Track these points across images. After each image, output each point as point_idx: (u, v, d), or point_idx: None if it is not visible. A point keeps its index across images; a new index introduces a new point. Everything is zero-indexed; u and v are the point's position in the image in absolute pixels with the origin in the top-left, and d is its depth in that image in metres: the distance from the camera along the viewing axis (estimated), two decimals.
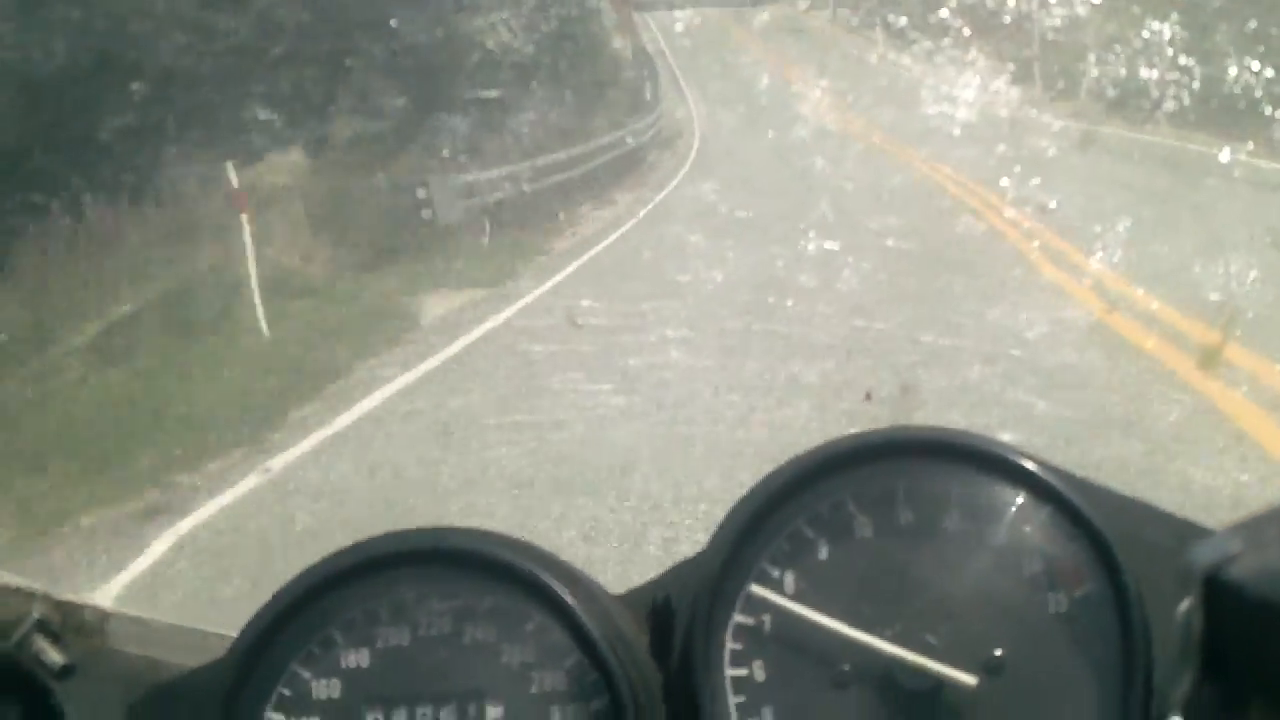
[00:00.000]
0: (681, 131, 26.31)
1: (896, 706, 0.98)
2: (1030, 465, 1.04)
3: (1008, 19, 20.01)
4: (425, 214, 14.89)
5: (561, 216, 16.55)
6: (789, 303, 9.45)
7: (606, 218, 16.95)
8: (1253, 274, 9.36)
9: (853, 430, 1.08)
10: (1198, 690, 0.93)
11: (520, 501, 5.64)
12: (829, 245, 11.78)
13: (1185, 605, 0.93)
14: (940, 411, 6.41)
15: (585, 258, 13.75)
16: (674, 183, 19.90)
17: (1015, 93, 20.27)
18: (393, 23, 16.75)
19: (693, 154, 23.49)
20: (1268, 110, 15.35)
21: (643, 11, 39.47)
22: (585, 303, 10.32)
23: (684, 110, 29.31)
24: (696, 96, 30.80)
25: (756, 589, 1.02)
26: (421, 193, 15.25)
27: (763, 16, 42.34)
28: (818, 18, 42.38)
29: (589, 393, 7.30)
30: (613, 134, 21.41)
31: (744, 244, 12.62)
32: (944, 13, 19.61)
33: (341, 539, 1.04)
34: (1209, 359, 7.21)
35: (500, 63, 19.11)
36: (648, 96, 27.59)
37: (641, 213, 17.00)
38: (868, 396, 6.59)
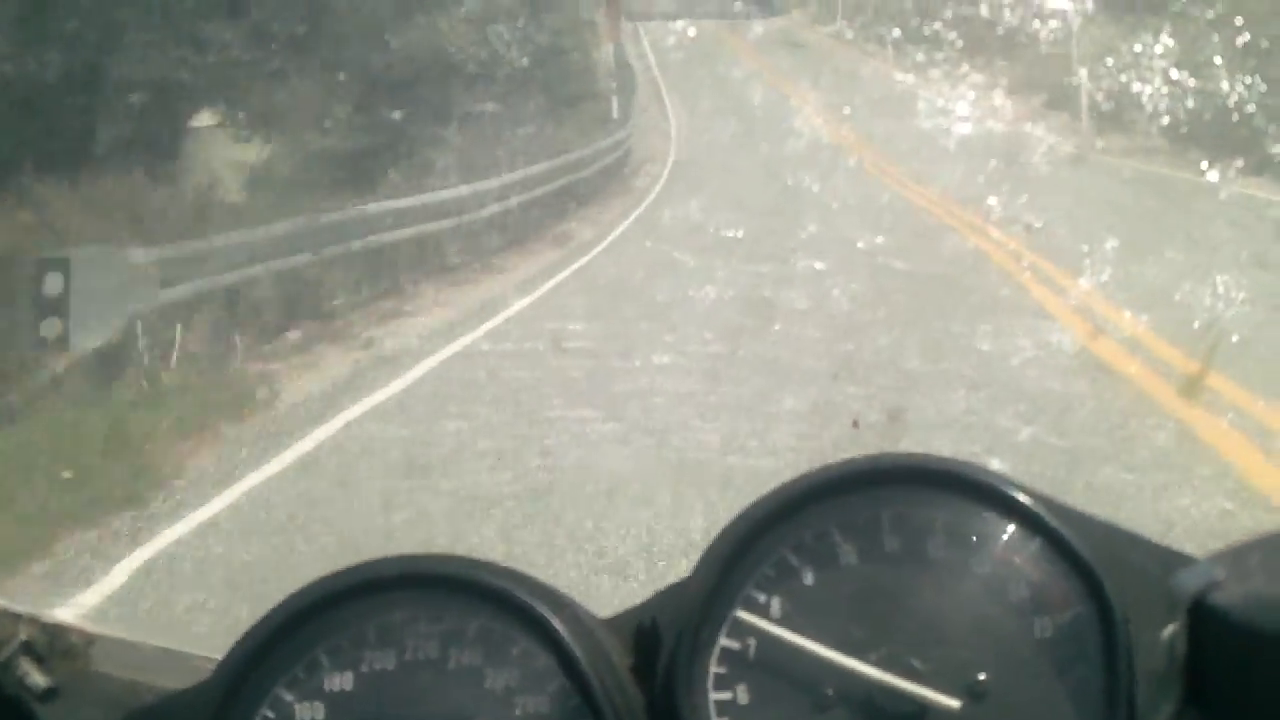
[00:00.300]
0: (653, 156, 22.45)
1: None
2: (1014, 492, 1.05)
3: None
4: (48, 330, 7.95)
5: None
6: None
7: (446, 318, 10.42)
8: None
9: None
10: (1180, 714, 0.93)
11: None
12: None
13: (1169, 631, 0.94)
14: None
15: (311, 439, 7.15)
16: (604, 243, 14.85)
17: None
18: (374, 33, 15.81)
19: (651, 196, 19.06)
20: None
21: (636, 21, 38.74)
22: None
23: (660, 136, 25.43)
24: (680, 117, 27.40)
25: (742, 614, 1.02)
26: (53, 284, 8.01)
27: (756, 29, 41.17)
28: (819, 32, 41.09)
29: None
30: (549, 163, 16.98)
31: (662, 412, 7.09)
32: (938, 25, 19.63)
33: (325, 567, 1.04)
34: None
35: (441, 75, 16.75)
36: (615, 115, 24.28)
37: (510, 310, 10.57)
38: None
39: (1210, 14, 17.39)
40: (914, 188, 17.33)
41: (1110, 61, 17.72)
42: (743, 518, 1.05)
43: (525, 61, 18.72)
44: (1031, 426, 6.60)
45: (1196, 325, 8.63)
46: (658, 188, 19.69)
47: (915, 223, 14.78)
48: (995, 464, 1.15)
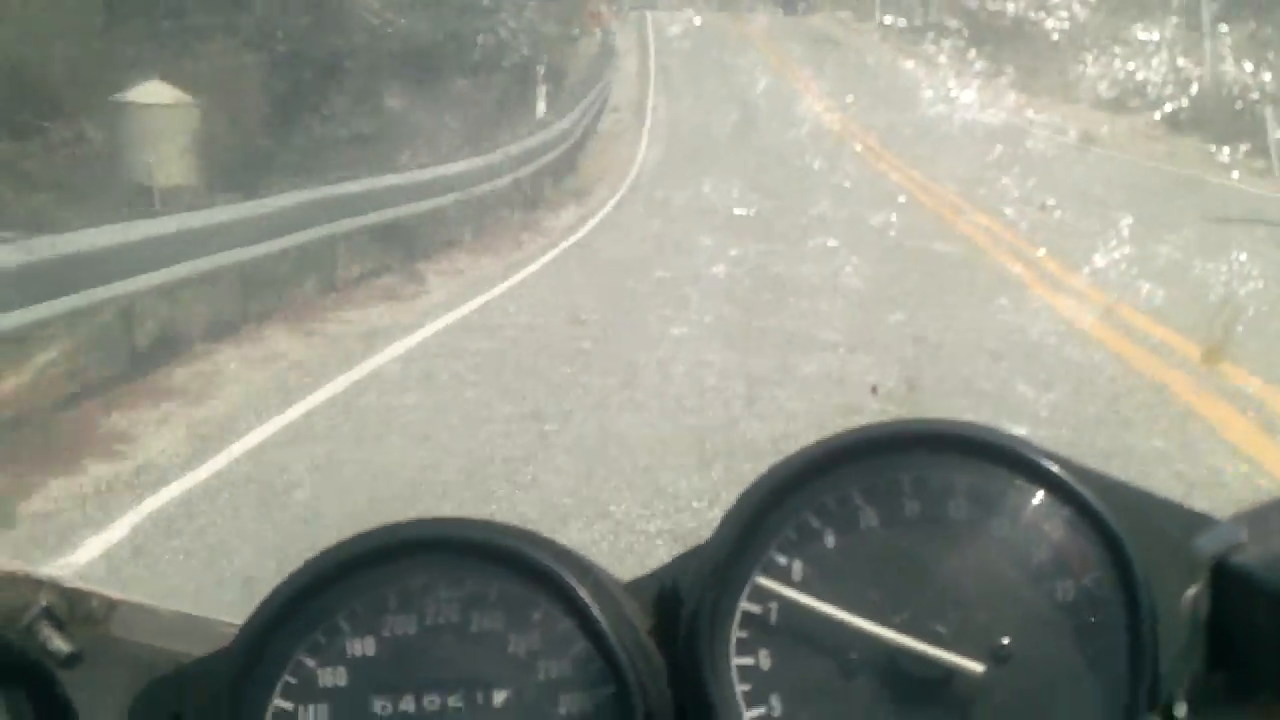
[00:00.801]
0: (599, 181, 16.60)
1: (904, 694, 0.99)
2: (1035, 455, 1.05)
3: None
4: None
5: None
6: None
7: None
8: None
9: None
10: (1203, 678, 0.93)
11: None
12: None
13: (1191, 592, 0.94)
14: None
15: None
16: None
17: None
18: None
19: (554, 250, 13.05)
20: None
21: (644, 9, 36.93)
22: None
23: (628, 143, 19.88)
24: (659, 123, 22.15)
25: (763, 578, 1.02)
26: None
27: (758, 18, 38.25)
28: (861, 30, 36.12)
29: None
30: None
31: None
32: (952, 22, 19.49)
33: (345, 531, 1.04)
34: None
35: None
36: (541, 111, 17.75)
37: None
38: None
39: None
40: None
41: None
42: (764, 480, 1.05)
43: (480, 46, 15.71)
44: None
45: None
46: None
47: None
48: (1017, 430, 1.15)
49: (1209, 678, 0.94)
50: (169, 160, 13.16)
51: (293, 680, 1.01)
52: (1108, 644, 0.99)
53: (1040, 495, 1.04)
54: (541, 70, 18.47)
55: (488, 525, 1.05)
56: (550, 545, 1.05)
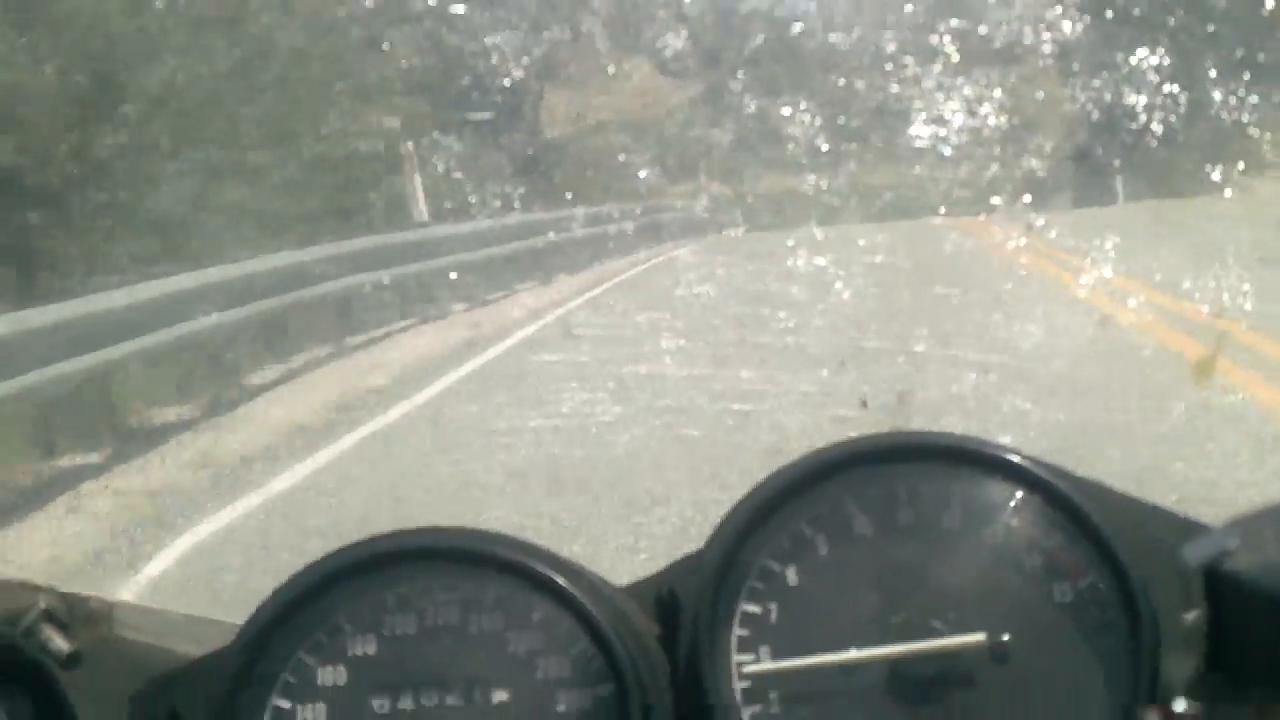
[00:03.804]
0: None
1: (902, 692, 1.00)
2: (1026, 464, 1.06)
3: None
4: None
5: None
6: None
7: None
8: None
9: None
10: (1201, 677, 0.94)
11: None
12: None
13: (1187, 598, 0.95)
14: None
15: None
16: None
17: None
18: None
19: None
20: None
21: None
22: None
23: None
24: None
25: (759, 582, 1.03)
26: None
27: None
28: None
29: None
30: None
31: None
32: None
33: (346, 538, 1.05)
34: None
35: None
36: None
37: None
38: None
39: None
40: None
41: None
42: (758, 490, 1.06)
43: None
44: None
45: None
46: None
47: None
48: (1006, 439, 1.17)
49: (1207, 677, 0.94)
50: None
51: (292, 679, 1.01)
52: (1107, 645, 1.00)
53: (1032, 502, 1.05)
54: None
55: (485, 535, 1.06)
56: (544, 554, 1.05)
